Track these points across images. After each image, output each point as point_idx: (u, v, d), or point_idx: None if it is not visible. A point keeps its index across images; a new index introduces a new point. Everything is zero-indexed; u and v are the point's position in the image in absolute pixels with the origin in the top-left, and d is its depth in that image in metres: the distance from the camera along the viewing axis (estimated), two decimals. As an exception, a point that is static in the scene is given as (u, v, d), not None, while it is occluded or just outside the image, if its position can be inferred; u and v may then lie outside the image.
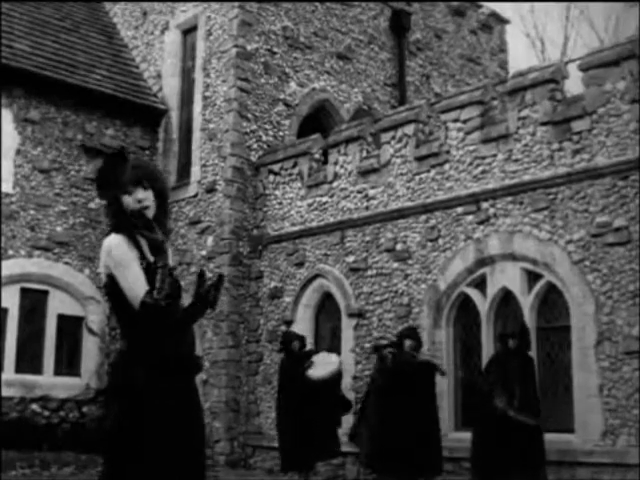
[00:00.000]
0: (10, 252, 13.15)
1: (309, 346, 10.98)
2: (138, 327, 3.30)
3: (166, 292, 3.23)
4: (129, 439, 3.20)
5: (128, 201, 3.39)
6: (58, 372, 13.53)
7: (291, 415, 9.55)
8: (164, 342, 3.30)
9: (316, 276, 12.07)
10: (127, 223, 3.36)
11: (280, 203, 12.81)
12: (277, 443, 10.04)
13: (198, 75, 14.28)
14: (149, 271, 3.31)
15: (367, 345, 11.06)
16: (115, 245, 3.31)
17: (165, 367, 3.28)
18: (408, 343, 9.42)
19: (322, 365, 9.49)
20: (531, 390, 8.55)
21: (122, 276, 3.27)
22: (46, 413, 12.96)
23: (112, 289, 3.34)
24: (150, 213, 3.41)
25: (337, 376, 9.70)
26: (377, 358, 9.70)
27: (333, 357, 9.87)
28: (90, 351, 13.71)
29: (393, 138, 11.36)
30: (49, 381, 13.31)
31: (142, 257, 3.35)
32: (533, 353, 9.20)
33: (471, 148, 10.39)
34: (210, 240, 13.26)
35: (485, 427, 8.61)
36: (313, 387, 9.42)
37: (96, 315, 13.68)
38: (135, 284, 3.25)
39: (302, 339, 10.21)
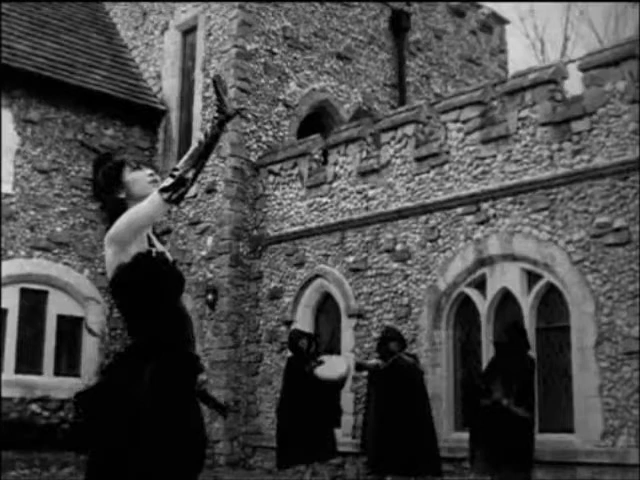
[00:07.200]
0: (10, 252, 13.15)
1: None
2: (156, 319, 3.24)
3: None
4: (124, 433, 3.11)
5: (141, 175, 3.39)
6: (58, 372, 13.53)
7: (293, 413, 9.54)
8: (178, 337, 3.26)
9: (316, 276, 12.07)
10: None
11: (280, 204, 12.81)
12: (275, 438, 10.04)
13: (198, 75, 14.27)
14: (156, 260, 3.28)
15: (367, 345, 11.07)
16: (112, 228, 3.25)
17: (178, 363, 3.23)
18: (393, 345, 9.47)
19: (332, 366, 9.50)
20: (528, 388, 8.58)
21: (136, 221, 3.17)
22: (46, 413, 12.96)
23: (123, 281, 3.24)
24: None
25: (343, 381, 9.72)
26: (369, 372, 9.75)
27: (343, 361, 9.88)
28: (90, 351, 13.71)
29: (393, 138, 11.35)
30: (49, 381, 13.30)
31: (150, 245, 3.32)
32: (533, 353, 9.21)
33: (471, 149, 10.38)
34: (210, 241, 13.25)
35: (479, 422, 8.66)
36: (319, 386, 9.43)
37: (96, 315, 13.68)
38: (144, 204, 3.17)
39: (311, 337, 10.16)
